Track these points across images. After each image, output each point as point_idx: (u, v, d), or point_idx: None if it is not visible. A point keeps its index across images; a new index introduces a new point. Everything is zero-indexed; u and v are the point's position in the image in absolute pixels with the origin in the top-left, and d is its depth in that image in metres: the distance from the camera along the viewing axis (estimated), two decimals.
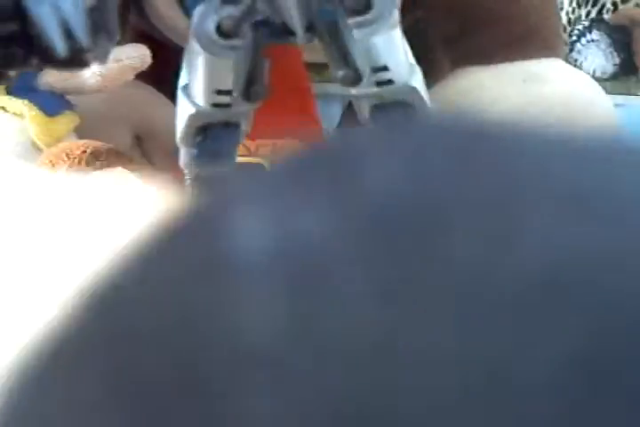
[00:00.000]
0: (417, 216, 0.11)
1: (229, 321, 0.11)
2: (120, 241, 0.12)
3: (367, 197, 0.11)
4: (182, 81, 0.39)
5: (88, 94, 0.65)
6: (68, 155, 0.53)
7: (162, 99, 0.72)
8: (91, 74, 0.63)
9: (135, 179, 0.51)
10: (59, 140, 0.62)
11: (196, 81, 0.37)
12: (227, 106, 0.37)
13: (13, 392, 0.12)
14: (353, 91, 0.36)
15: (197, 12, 0.32)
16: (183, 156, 0.41)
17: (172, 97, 0.76)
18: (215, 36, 0.32)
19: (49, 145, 0.58)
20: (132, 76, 0.65)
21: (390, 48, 0.35)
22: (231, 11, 0.30)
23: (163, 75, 0.75)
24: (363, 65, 0.32)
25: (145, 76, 0.69)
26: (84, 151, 0.53)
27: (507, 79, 0.66)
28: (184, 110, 0.39)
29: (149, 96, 0.72)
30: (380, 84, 0.37)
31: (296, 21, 0.30)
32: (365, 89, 0.36)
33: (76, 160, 0.53)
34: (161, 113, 0.68)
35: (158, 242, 0.12)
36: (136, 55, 0.64)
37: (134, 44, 0.67)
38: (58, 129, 0.64)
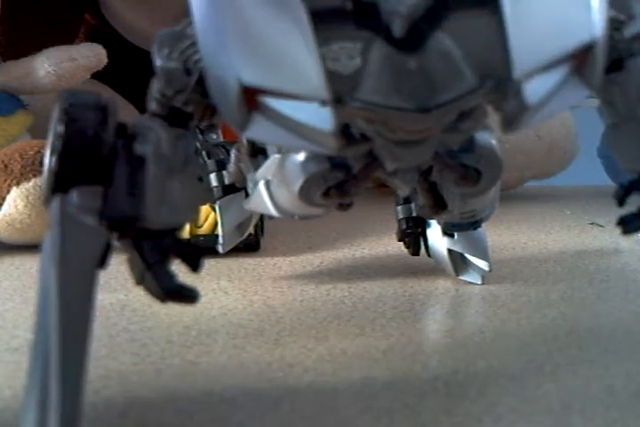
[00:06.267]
0: None
1: None
2: None
3: None
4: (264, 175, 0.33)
5: (42, 94, 0.64)
6: (21, 155, 0.52)
7: (117, 98, 0.72)
8: (45, 73, 0.62)
9: None
10: (12, 140, 0.61)
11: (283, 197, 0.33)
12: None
13: None
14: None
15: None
16: None
17: (127, 96, 0.75)
18: (320, 200, 0.29)
19: (2, 145, 0.57)
20: (87, 76, 0.64)
21: (482, 199, 0.34)
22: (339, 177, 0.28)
23: (119, 74, 0.74)
24: (452, 207, 0.32)
25: (100, 76, 0.69)
26: (38, 151, 0.52)
27: None
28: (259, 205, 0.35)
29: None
30: (463, 218, 0.38)
31: (403, 194, 0.28)
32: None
33: (30, 160, 0.52)
34: None
35: None
36: (91, 54, 0.64)
37: (90, 43, 0.66)
38: (11, 129, 0.63)
